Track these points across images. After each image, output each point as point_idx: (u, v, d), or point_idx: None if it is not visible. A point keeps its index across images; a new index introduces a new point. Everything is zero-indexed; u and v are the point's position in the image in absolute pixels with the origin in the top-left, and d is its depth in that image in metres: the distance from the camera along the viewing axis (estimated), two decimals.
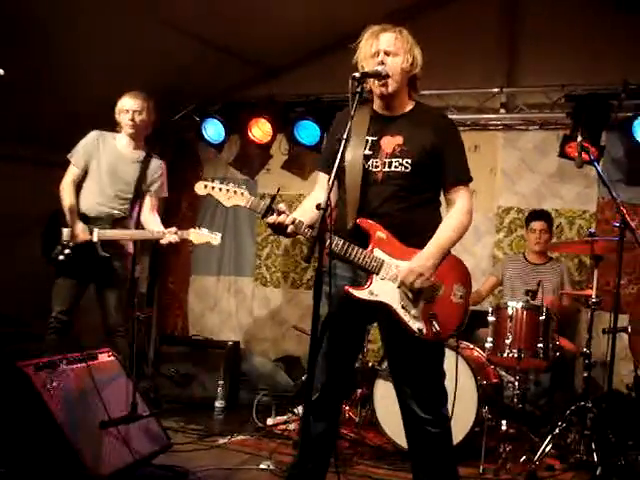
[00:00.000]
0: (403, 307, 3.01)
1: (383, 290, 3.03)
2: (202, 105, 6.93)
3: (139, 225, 4.89)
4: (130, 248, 4.86)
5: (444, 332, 3.04)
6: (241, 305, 7.28)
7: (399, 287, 3.01)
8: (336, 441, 3.38)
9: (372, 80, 3.08)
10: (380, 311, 3.07)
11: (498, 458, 4.49)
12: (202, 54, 6.19)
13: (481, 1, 6.24)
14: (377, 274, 3.04)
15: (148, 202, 4.92)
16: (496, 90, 6.28)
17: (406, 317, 3.01)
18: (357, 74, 2.96)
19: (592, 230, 4.85)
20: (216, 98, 6.86)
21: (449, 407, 3.16)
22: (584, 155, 4.72)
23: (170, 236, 4.59)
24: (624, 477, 4.26)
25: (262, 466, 4.20)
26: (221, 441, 4.80)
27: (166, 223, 4.93)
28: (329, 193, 2.76)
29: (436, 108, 3.31)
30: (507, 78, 6.34)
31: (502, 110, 6.37)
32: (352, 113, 2.91)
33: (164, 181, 5.02)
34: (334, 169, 2.82)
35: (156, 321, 7.31)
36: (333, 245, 2.92)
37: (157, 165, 4.96)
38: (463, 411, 4.43)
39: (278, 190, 3.29)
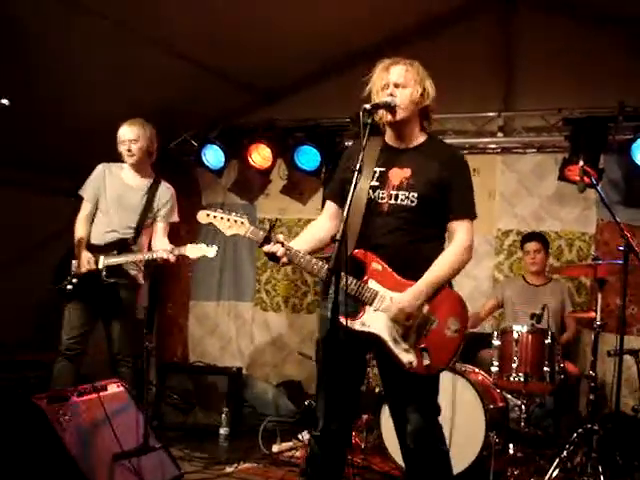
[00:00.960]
0: (394, 339, 3.02)
1: (375, 321, 3.04)
2: (201, 130, 6.96)
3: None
4: (141, 279, 4.85)
5: (436, 366, 3.03)
6: (241, 330, 7.27)
7: (391, 320, 3.02)
8: (343, 472, 3.34)
9: (382, 111, 3.11)
10: (374, 342, 3.07)
11: None
12: (201, 79, 6.23)
13: (477, 26, 6.31)
14: (370, 305, 3.05)
15: (158, 228, 4.93)
16: (494, 114, 6.34)
17: (396, 350, 3.01)
18: (367, 105, 3.00)
19: (596, 254, 4.89)
20: (215, 123, 6.88)
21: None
22: (586, 179, 4.77)
23: (164, 253, 4.56)
24: None
25: None
26: (228, 469, 4.77)
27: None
28: (344, 226, 2.77)
29: (449, 144, 3.33)
30: (504, 102, 6.41)
31: (500, 134, 6.44)
32: (363, 144, 2.94)
33: (174, 205, 5.02)
34: (348, 202, 2.83)
35: (156, 348, 7.28)
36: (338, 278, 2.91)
37: (165, 191, 4.96)
38: (471, 435, 4.47)
39: (276, 221, 3.32)
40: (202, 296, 7.44)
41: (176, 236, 7.27)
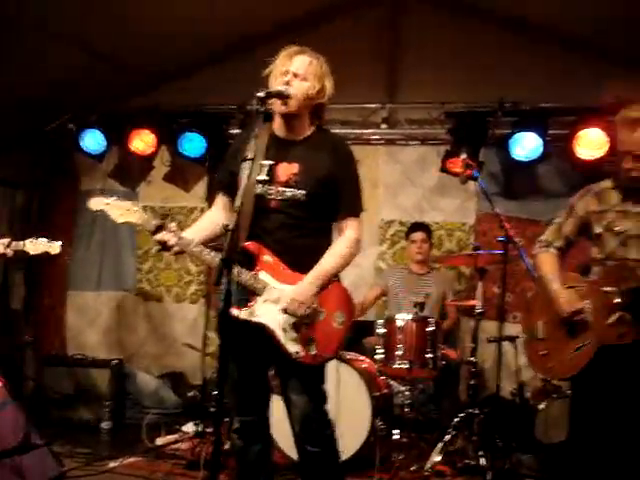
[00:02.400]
0: (282, 330, 3.03)
1: (264, 312, 3.04)
2: (80, 114, 6.68)
3: None
4: None
5: (322, 355, 3.07)
6: (122, 321, 7.07)
7: (281, 311, 3.03)
8: (271, 461, 3.35)
9: (275, 99, 3.07)
10: (264, 332, 3.06)
11: (391, 467, 4.59)
12: (82, 62, 5.98)
13: (364, 17, 6.37)
14: (260, 296, 3.05)
15: None
16: (378, 105, 6.44)
17: (284, 340, 3.03)
18: (261, 93, 2.94)
19: (477, 244, 5.06)
20: (96, 107, 6.64)
21: (336, 428, 3.20)
22: (467, 171, 4.91)
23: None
24: (509, 479, 4.47)
25: None
26: (112, 465, 4.64)
27: (39, 235, 4.64)
28: (238, 214, 2.74)
29: (338, 136, 3.32)
30: (389, 94, 6.52)
31: (384, 125, 6.54)
32: (256, 132, 2.91)
33: None
34: (241, 192, 2.79)
35: (33, 340, 6.98)
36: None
37: None
38: (358, 422, 4.54)
39: (169, 215, 3.25)
40: (81, 286, 7.17)
41: (50, 222, 7.04)
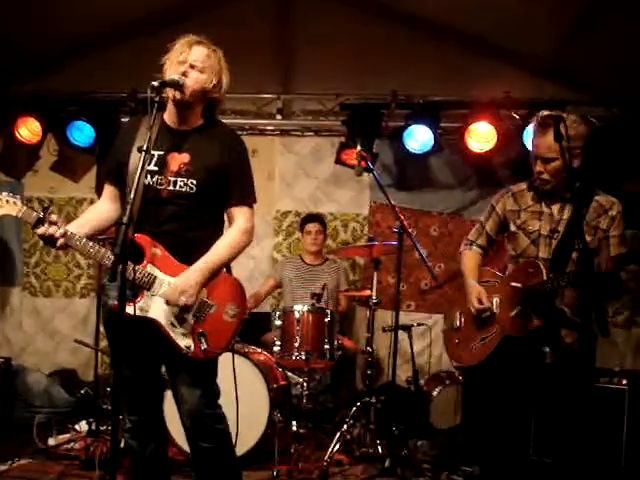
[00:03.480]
0: (171, 324, 2.99)
1: (153, 306, 2.98)
2: None
3: None
4: None
5: (214, 350, 3.03)
6: (9, 317, 6.77)
7: (167, 304, 2.98)
8: (167, 459, 3.28)
9: (169, 88, 3.00)
10: (154, 327, 3.00)
11: (290, 459, 4.59)
12: None
13: (259, 5, 6.29)
14: (148, 290, 2.98)
15: None
16: (273, 96, 6.41)
17: (174, 334, 2.98)
18: (155, 83, 2.87)
19: (372, 235, 5.13)
20: None
21: (228, 423, 3.17)
22: (362, 163, 4.95)
23: None
24: (407, 465, 4.57)
25: None
26: (2, 467, 4.44)
27: None
28: (131, 207, 2.68)
29: (228, 127, 3.25)
30: (284, 84, 6.49)
31: (279, 116, 6.51)
32: (151, 122, 2.82)
33: None
34: (135, 185, 2.72)
35: None
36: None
37: None
38: (256, 415, 4.53)
39: (50, 204, 3.13)
40: None
41: None
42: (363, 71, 6.07)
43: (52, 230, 2.89)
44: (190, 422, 3.07)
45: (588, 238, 3.31)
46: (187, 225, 3.03)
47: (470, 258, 3.82)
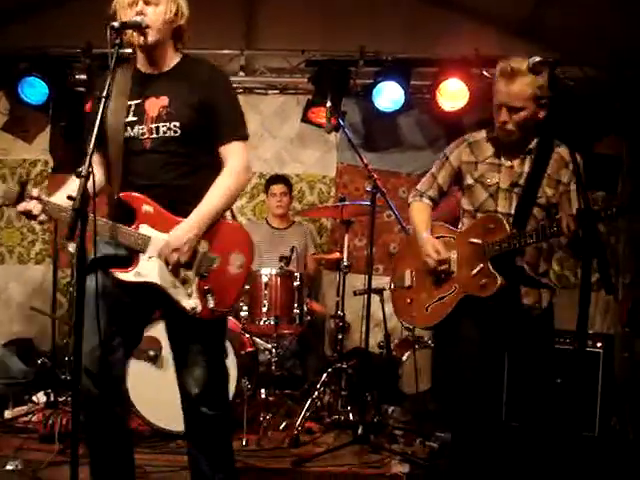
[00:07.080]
0: (174, 285, 2.79)
1: (151, 270, 2.78)
2: None
3: None
4: None
5: (222, 306, 2.84)
6: None
7: (167, 265, 2.78)
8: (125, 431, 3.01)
9: (131, 32, 2.77)
10: (156, 292, 2.81)
11: (260, 427, 4.44)
12: None
13: None
14: (144, 253, 2.78)
15: None
16: (235, 52, 6.15)
17: (178, 296, 2.79)
18: (115, 24, 2.63)
19: (343, 195, 4.96)
20: None
21: (231, 389, 3.03)
22: (333, 120, 4.76)
23: None
24: (379, 431, 4.46)
25: (8, 467, 3.70)
26: None
27: None
28: (90, 157, 2.44)
29: (207, 61, 3.00)
30: (246, 40, 6.24)
31: (241, 73, 6.25)
32: (111, 66, 2.60)
33: None
34: (94, 131, 2.49)
35: None
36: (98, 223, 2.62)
37: None
38: None
39: (28, 176, 2.91)
40: None
41: None
42: (330, 26, 5.89)
43: (31, 205, 2.74)
44: (199, 389, 2.88)
45: (550, 192, 3.16)
46: (179, 172, 2.82)
47: (421, 210, 3.50)
